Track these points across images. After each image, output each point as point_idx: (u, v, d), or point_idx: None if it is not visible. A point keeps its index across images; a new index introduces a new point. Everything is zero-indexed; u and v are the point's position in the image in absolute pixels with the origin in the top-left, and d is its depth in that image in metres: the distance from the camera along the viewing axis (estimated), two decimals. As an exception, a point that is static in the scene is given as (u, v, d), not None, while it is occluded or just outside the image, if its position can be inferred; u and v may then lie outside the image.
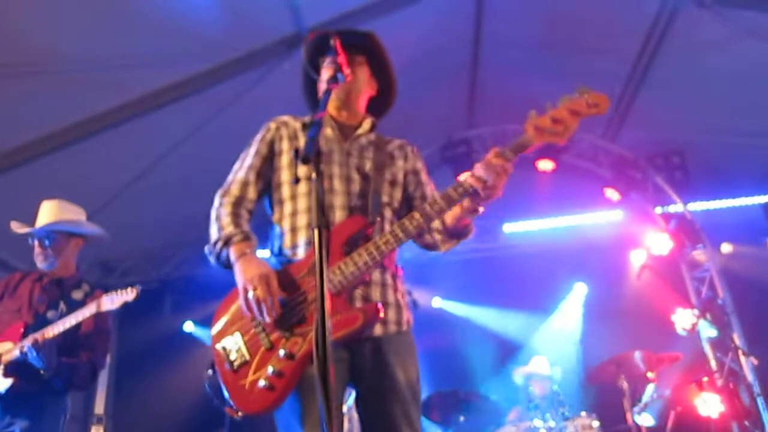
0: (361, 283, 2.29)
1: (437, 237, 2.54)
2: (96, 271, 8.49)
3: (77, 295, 3.83)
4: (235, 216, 2.40)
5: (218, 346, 2.28)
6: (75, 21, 5.05)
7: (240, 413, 2.23)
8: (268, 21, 5.73)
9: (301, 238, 2.38)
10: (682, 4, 5.87)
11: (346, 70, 2.39)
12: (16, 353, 3.47)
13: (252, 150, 2.57)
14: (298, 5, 5.54)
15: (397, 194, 2.58)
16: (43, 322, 3.60)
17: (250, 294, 2.15)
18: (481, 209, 2.35)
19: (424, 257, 8.17)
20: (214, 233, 2.39)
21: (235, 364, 2.22)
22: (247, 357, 2.21)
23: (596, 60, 6.46)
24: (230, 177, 2.55)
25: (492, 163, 2.20)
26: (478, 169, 2.23)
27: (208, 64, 5.87)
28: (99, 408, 8.22)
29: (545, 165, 7.45)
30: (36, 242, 3.84)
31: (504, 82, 7.19)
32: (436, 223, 2.49)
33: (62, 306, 3.74)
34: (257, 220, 2.53)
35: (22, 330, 3.58)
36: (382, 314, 2.22)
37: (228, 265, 2.33)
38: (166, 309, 8.98)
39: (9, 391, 3.46)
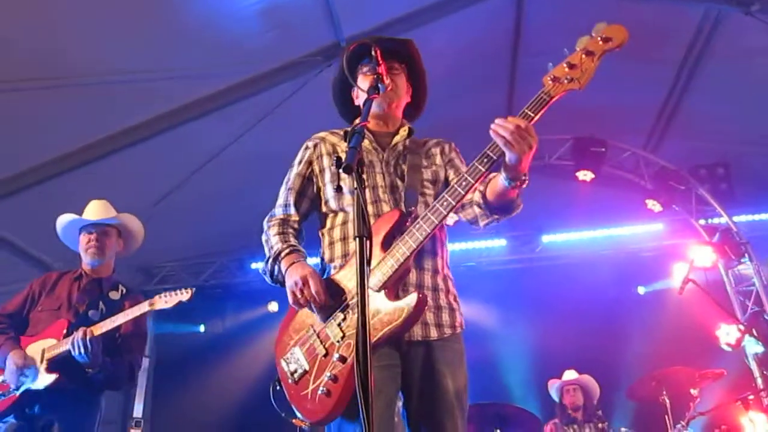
0: (406, 274, 2.27)
1: (477, 211, 2.46)
2: (137, 276, 8.65)
3: (114, 296, 3.90)
4: (282, 234, 2.51)
5: (281, 362, 2.35)
6: (116, 34, 5.14)
7: (307, 423, 2.25)
8: (306, 31, 5.78)
9: (351, 247, 2.43)
10: (727, 12, 5.76)
11: (387, 80, 2.41)
12: (60, 349, 3.51)
13: (292, 172, 2.64)
14: (336, 15, 5.58)
15: (438, 189, 2.56)
16: (85, 321, 3.65)
17: (298, 294, 2.24)
18: (523, 181, 2.25)
19: (462, 267, 8.20)
20: (266, 254, 2.50)
21: (296, 375, 2.27)
22: (306, 367, 2.25)
23: (638, 69, 6.34)
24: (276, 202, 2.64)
25: (507, 123, 2.17)
26: (494, 133, 2.21)
27: (246, 75, 5.94)
28: (137, 411, 8.35)
29: (585, 176, 7.35)
30: (95, 234, 3.89)
31: (543, 92, 7.11)
32: (477, 197, 2.42)
33: (102, 306, 3.80)
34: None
35: (65, 328, 3.63)
36: (427, 303, 2.20)
37: (282, 282, 2.41)
38: (203, 316, 9.13)
39: (50, 387, 3.49)
